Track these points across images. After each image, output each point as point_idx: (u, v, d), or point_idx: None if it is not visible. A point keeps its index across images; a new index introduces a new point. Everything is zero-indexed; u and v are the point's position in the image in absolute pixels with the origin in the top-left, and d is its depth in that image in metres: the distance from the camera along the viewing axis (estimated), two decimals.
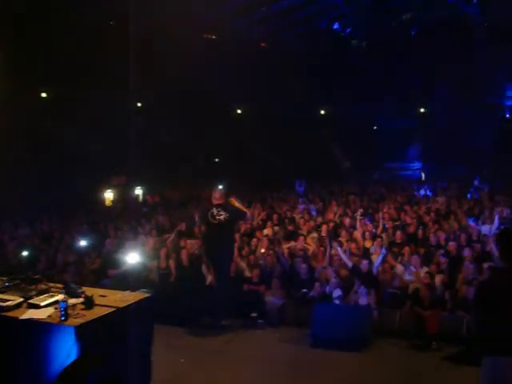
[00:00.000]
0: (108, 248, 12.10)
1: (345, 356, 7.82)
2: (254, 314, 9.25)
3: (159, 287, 10.07)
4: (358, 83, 21.95)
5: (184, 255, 11.15)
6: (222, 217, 9.15)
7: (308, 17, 18.62)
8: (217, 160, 25.54)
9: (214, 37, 19.75)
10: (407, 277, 9.95)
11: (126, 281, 10.31)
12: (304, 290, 9.84)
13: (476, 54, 21.50)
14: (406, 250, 10.87)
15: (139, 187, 21.06)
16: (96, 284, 9.36)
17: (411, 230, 12.72)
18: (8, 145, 15.86)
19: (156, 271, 10.92)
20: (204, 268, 10.27)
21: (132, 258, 11.01)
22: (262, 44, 21.43)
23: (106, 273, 10.80)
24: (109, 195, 18.92)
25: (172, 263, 10.89)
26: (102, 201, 18.83)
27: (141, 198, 20.64)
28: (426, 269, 9.99)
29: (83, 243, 12.50)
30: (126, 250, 11.44)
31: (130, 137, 20.23)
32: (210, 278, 9.89)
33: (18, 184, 15.69)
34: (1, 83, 14.79)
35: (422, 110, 24.09)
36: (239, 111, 25.59)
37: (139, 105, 23.44)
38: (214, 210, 9.28)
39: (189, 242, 11.77)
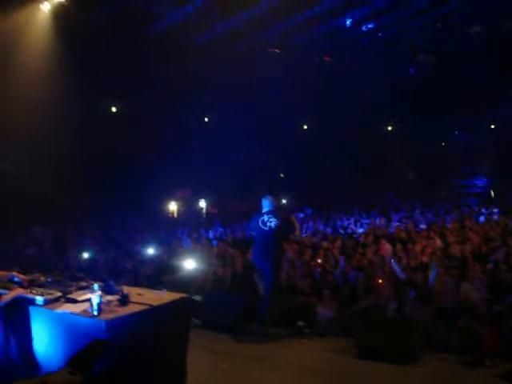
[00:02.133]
0: (162, 255, 12.34)
1: (390, 368, 7.55)
2: (300, 323, 9.12)
3: (211, 293, 10.18)
4: (426, 98, 21.47)
5: (238, 263, 11.20)
6: (272, 224, 9.12)
7: (373, 30, 18.41)
8: (282, 175, 25.54)
9: (277, 51, 19.85)
10: (464, 292, 9.57)
11: (179, 286, 10.45)
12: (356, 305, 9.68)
13: None
14: (468, 264, 10.54)
15: (203, 200, 21.44)
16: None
17: (474, 245, 12.30)
18: (76, 157, 16.48)
19: (211, 278, 11.01)
20: (256, 276, 10.24)
21: (189, 264, 11.21)
22: (327, 58, 21.34)
23: (159, 279, 10.95)
24: (173, 207, 19.29)
25: (229, 271, 10.94)
26: (166, 212, 19.21)
27: (204, 210, 21.00)
28: (485, 284, 9.63)
29: (142, 251, 12.84)
30: (183, 256, 11.67)
31: (195, 150, 20.79)
32: (261, 286, 9.85)
33: (83, 194, 16.19)
34: (70, 97, 15.41)
35: (493, 126, 23.16)
36: (305, 126, 25.56)
37: (206, 120, 23.91)
38: (265, 217, 9.27)
39: (245, 250, 11.84)
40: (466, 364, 7.92)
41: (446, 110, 22.69)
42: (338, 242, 13.12)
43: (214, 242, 13.45)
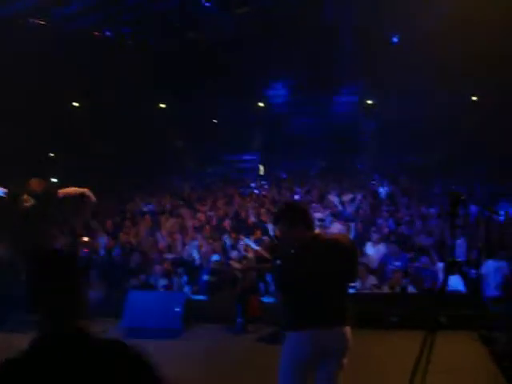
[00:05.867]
0: None
1: (160, 344, 7.55)
2: None
3: None
4: (197, 77, 21.65)
5: None
6: (29, 204, 8.57)
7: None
8: (52, 155, 24.13)
9: (42, 22, 18.47)
10: (229, 262, 9.93)
11: None
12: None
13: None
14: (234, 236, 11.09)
15: None
16: None
17: (241, 218, 12.93)
18: None
19: None
20: None
21: None
22: (96, 33, 20.38)
23: None
24: None
25: None
26: None
27: None
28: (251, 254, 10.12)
29: None
30: None
31: None
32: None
33: None
34: None
35: (262, 104, 24.19)
36: (76, 104, 24.34)
37: None
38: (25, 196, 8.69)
39: None
40: (232, 331, 8.28)
41: (214, 88, 22.92)
42: None
43: None
